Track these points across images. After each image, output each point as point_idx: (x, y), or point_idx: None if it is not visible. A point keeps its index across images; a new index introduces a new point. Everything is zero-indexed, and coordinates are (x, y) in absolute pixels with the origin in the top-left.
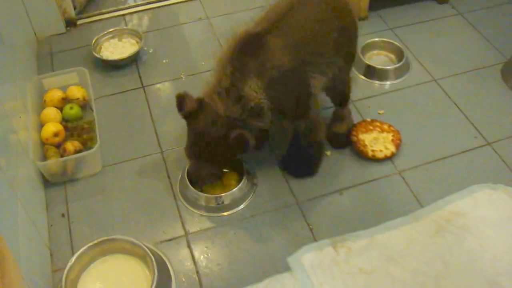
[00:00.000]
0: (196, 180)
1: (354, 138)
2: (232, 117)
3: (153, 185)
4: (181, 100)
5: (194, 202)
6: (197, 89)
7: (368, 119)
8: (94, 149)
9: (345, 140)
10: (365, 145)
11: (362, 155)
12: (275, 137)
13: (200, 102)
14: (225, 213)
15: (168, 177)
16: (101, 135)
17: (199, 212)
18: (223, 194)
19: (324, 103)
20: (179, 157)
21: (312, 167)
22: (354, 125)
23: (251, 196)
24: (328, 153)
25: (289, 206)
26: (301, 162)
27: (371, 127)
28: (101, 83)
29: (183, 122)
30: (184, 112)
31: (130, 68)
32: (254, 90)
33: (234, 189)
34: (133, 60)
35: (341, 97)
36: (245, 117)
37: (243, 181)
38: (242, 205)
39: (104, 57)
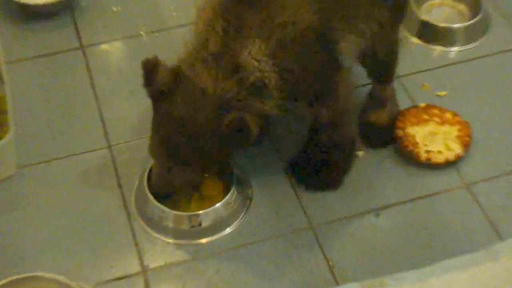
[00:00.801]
0: (164, 193)
1: (400, 133)
2: (225, 97)
3: (96, 197)
4: (150, 69)
5: (157, 223)
6: (165, 54)
7: (422, 104)
8: (4, 141)
9: (386, 136)
10: (416, 144)
11: (411, 158)
12: (283, 130)
13: (177, 74)
14: (204, 240)
15: (119, 185)
16: (16, 119)
17: (164, 238)
18: (201, 212)
19: (358, 78)
20: (136, 156)
21: (335, 176)
22: (401, 113)
23: (242, 215)
24: (360, 154)
25: (299, 232)
26: (319, 168)
27: (426, 117)
28: (17, 40)
29: (145, 104)
30: (154, 88)
31: (62, 19)
32: (255, 58)
33: (218, 205)
34: (67, 6)
35: (382, 69)
36: (242, 97)
37: (231, 192)
38: (228, 229)
39: (22, 0)
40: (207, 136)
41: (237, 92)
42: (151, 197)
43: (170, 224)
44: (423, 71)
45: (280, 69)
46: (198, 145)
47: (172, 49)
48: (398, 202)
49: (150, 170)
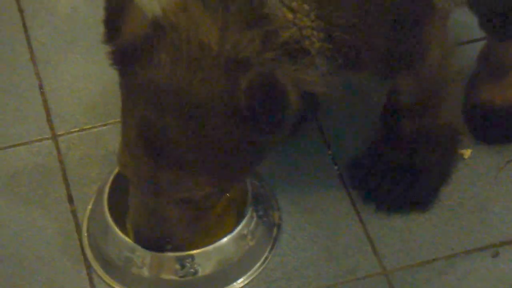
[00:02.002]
0: (159, 240)
1: None
2: (239, 55)
3: (32, 218)
4: (113, 13)
5: (123, 270)
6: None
7: None
8: None
9: (508, 125)
10: None
11: None
12: (337, 114)
13: (158, 22)
14: None
15: (69, 198)
16: None
17: None
18: (196, 252)
19: (461, 30)
20: (95, 152)
21: (425, 189)
22: None
23: (266, 255)
24: (466, 154)
25: (365, 280)
26: (399, 176)
27: None
28: None
29: (109, 70)
30: (121, 42)
31: None
32: (289, 6)
33: (225, 239)
34: None
35: (506, 9)
36: (267, 59)
37: (246, 218)
38: (242, 280)
39: None
40: (217, 118)
41: (259, 51)
42: (112, 225)
43: (146, 273)
44: None
45: (329, 25)
46: (204, 133)
47: None
48: None
49: (115, 181)
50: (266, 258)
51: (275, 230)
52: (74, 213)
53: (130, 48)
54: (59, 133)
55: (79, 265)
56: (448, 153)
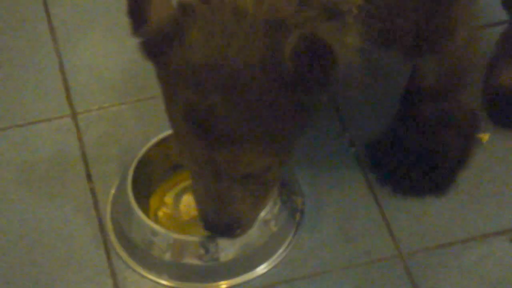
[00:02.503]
0: (231, 223)
1: None
2: (278, 18)
3: (50, 199)
4: (137, 5)
5: (145, 253)
6: None
7: None
8: None
9: None
10: None
11: None
12: (357, 94)
13: (184, 4)
14: (223, 285)
15: (88, 177)
16: None
17: (156, 279)
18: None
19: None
20: (116, 132)
21: (445, 172)
22: None
23: (289, 241)
24: (485, 138)
25: (381, 264)
26: (418, 159)
27: None
28: None
29: (129, 49)
30: (148, 31)
31: None
32: None
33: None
34: None
35: None
36: (306, 19)
37: (270, 204)
38: (264, 265)
39: None
40: (261, 87)
41: (297, 11)
42: (136, 209)
43: (168, 257)
44: None
45: None
46: (250, 104)
47: None
48: None
49: (141, 163)
50: (289, 243)
51: (298, 215)
52: (92, 190)
53: (159, 34)
54: (78, 111)
55: (97, 242)
56: (467, 137)
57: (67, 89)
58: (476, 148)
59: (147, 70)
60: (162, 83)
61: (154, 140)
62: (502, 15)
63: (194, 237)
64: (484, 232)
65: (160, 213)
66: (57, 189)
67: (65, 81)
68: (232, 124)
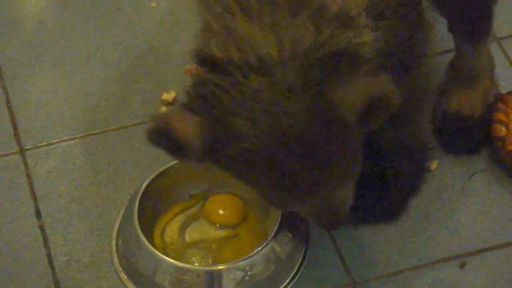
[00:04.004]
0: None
1: (501, 130)
2: (306, 51)
3: (0, 235)
4: (166, 141)
5: (150, 280)
6: None
7: None
8: None
9: (476, 135)
10: None
11: None
12: None
13: (204, 102)
14: None
15: (37, 213)
16: None
17: None
18: (221, 267)
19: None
20: (61, 166)
21: (397, 200)
22: (501, 98)
23: (296, 269)
24: (433, 165)
25: None
26: (369, 189)
27: None
28: None
29: (80, 78)
30: (192, 153)
31: None
32: None
33: (260, 248)
34: None
35: (476, 9)
36: (332, 37)
37: (276, 228)
38: None
39: None
40: (331, 140)
41: (317, 32)
42: (142, 238)
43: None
44: None
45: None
46: (318, 154)
47: None
48: (496, 245)
49: (145, 192)
50: (296, 272)
51: (305, 242)
52: (42, 227)
53: (202, 151)
54: (26, 147)
55: (47, 280)
56: (419, 164)
57: (14, 126)
58: (426, 175)
59: (95, 105)
60: (232, 172)
61: (156, 172)
62: (450, 44)
63: (198, 266)
64: (435, 258)
65: (167, 239)
66: (5, 227)
67: (12, 117)
68: (313, 177)
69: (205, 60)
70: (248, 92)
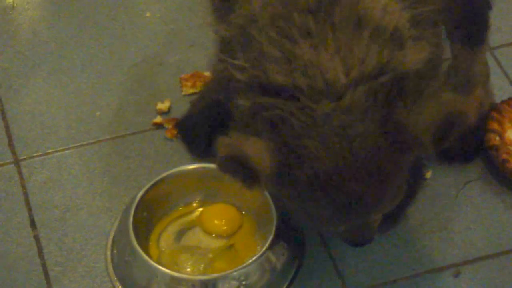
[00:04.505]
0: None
1: (495, 139)
2: (371, 72)
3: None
4: (242, 168)
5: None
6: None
7: None
8: None
9: (471, 143)
10: None
11: (510, 180)
12: None
13: (272, 127)
14: None
15: (32, 223)
16: None
17: None
18: (216, 277)
19: None
20: (56, 176)
21: (395, 209)
22: (496, 108)
23: (291, 277)
24: (428, 174)
25: None
26: None
27: None
28: None
29: (75, 87)
30: (265, 177)
31: None
32: None
33: (255, 258)
34: None
35: (471, 20)
36: (392, 57)
37: (271, 238)
38: None
39: None
40: (394, 162)
41: (379, 53)
42: (137, 248)
43: None
44: None
45: (413, 3)
46: (386, 178)
47: None
48: (490, 254)
49: (141, 201)
50: (290, 282)
51: (299, 251)
52: (36, 237)
53: (271, 176)
54: (21, 157)
55: None
56: (416, 174)
57: (9, 136)
58: (421, 185)
59: (90, 115)
60: (293, 197)
61: (151, 182)
62: (447, 53)
63: (193, 276)
64: (429, 268)
65: (162, 244)
66: (0, 237)
67: (7, 127)
68: (376, 199)
69: (263, 86)
70: (319, 116)
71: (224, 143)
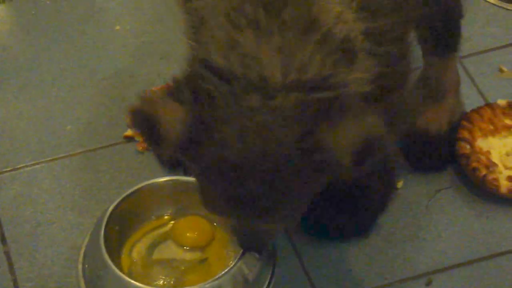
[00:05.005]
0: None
1: (465, 148)
2: (309, 81)
3: None
4: (147, 126)
5: None
6: None
7: (501, 102)
8: None
9: (441, 152)
10: (490, 165)
11: (482, 189)
12: None
13: (196, 97)
14: None
15: (2, 238)
16: None
17: None
18: None
19: None
20: (26, 191)
21: (366, 217)
22: (466, 116)
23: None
24: (400, 183)
25: None
26: (339, 208)
27: (508, 122)
28: None
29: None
30: (173, 143)
31: None
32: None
33: (227, 270)
34: None
35: (443, 27)
36: (334, 71)
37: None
38: None
39: None
40: (302, 173)
41: (322, 64)
42: (109, 262)
43: None
44: (500, 47)
45: (370, 14)
46: (290, 188)
47: None
48: (462, 262)
49: (112, 215)
50: None
51: (273, 262)
52: (7, 253)
53: (180, 144)
54: None
55: None
56: (388, 183)
57: None
58: (392, 193)
59: (61, 129)
60: (196, 175)
61: (123, 195)
62: (418, 60)
63: None
64: (401, 277)
65: (134, 256)
66: None
67: None
68: (269, 205)
69: (206, 66)
70: (245, 107)
71: (144, 98)
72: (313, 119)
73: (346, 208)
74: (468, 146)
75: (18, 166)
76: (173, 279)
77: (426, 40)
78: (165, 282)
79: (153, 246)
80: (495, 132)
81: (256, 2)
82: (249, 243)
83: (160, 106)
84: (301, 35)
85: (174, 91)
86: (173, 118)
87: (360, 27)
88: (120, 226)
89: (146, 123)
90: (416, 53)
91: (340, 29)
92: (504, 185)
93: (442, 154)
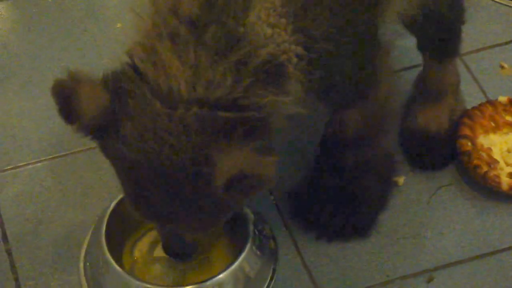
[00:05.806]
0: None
1: (467, 145)
2: (216, 100)
3: None
4: (64, 97)
5: None
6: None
7: (502, 99)
8: None
9: (443, 150)
10: (491, 162)
11: (484, 186)
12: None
13: (117, 89)
14: None
15: (4, 237)
16: None
17: None
18: (189, 287)
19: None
20: (28, 189)
21: (365, 217)
22: (467, 114)
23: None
24: (401, 181)
25: None
26: (339, 207)
27: (509, 119)
28: None
29: (46, 102)
30: (82, 126)
31: None
32: (267, 21)
33: (222, 275)
34: None
35: (444, 30)
36: (247, 93)
37: (248, 246)
38: None
39: None
40: (195, 187)
41: (234, 87)
42: (111, 260)
43: None
44: (502, 44)
45: (306, 38)
46: (180, 196)
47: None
48: (462, 259)
49: (113, 213)
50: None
51: (274, 257)
52: (8, 251)
53: (92, 127)
54: None
55: None
56: (386, 181)
57: None
58: (393, 191)
59: (62, 127)
60: (110, 160)
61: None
62: (418, 59)
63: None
64: (403, 274)
65: (136, 253)
66: None
67: None
68: (169, 210)
69: (129, 64)
70: (149, 112)
71: (73, 73)
72: (211, 135)
73: (345, 208)
74: (469, 143)
75: (20, 164)
76: (175, 276)
77: (426, 44)
78: (167, 280)
79: (154, 244)
80: (496, 129)
81: (183, 17)
82: (171, 248)
83: (85, 85)
84: (217, 55)
85: (103, 79)
86: (94, 101)
87: (295, 50)
88: (122, 223)
89: (62, 94)
90: (416, 53)
91: (268, 51)
92: (505, 182)
93: (443, 152)
